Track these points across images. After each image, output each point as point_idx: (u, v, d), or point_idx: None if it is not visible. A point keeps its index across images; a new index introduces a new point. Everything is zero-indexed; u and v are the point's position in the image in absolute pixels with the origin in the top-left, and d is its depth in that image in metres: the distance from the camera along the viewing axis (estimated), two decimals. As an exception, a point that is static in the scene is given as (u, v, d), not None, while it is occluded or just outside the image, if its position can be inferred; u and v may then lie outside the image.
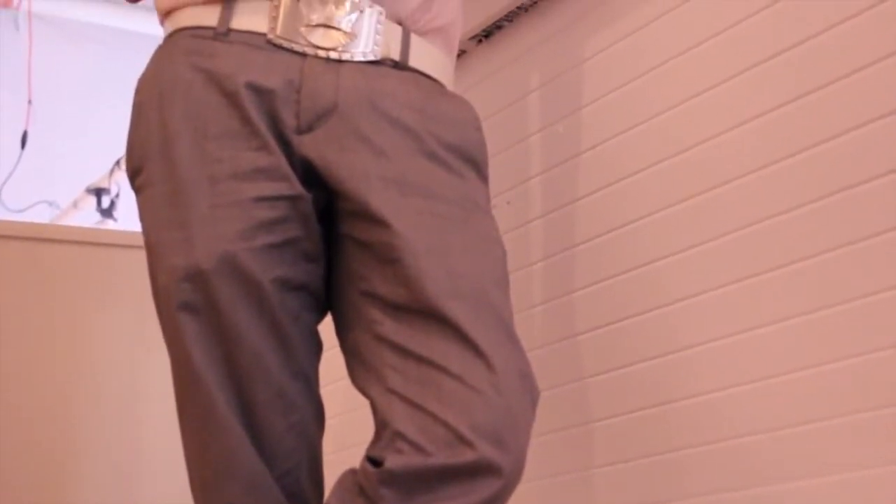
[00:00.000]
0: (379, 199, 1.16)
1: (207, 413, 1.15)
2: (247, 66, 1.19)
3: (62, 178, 4.32)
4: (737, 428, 1.27)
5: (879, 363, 1.13)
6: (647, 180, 1.41)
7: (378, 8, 1.23)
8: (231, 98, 1.18)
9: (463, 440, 1.06)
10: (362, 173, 1.17)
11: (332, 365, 1.26)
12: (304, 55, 1.20)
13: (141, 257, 1.21)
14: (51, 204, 4.39)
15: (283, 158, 1.17)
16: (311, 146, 1.18)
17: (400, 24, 1.26)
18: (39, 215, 4.32)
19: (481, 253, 1.19)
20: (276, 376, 1.17)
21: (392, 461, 1.08)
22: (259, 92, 1.18)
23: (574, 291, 1.52)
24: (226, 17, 1.22)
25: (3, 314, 2.01)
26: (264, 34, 1.21)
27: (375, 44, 1.23)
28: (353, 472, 1.13)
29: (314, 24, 1.21)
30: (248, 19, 1.22)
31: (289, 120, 1.18)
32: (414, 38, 1.26)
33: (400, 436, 1.08)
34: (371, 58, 1.22)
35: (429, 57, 1.28)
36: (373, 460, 1.10)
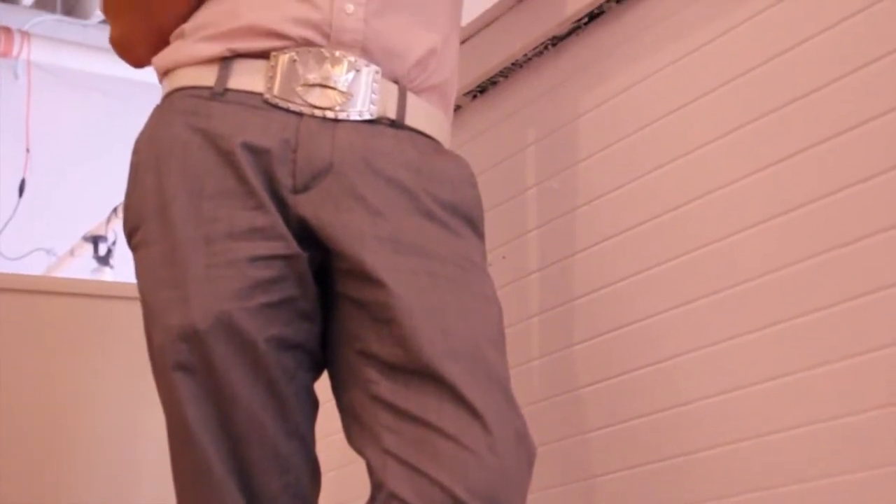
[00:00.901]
0: (374, 259, 1.16)
1: (202, 472, 1.15)
2: (243, 126, 1.19)
3: (59, 226, 4.34)
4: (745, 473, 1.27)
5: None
6: (642, 235, 1.42)
7: (374, 67, 1.24)
8: (227, 158, 1.18)
9: (458, 502, 1.05)
10: (357, 233, 1.18)
11: (328, 418, 1.25)
12: (300, 114, 1.21)
13: (138, 309, 1.21)
14: (48, 251, 4.40)
15: (279, 218, 1.18)
16: (306, 205, 1.19)
17: (396, 82, 1.26)
18: (36, 262, 4.33)
19: (477, 312, 1.19)
20: (271, 436, 1.16)
21: (388, 523, 1.07)
22: (255, 152, 1.18)
23: (572, 346, 1.52)
24: (223, 76, 1.23)
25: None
26: (261, 94, 1.22)
27: (371, 103, 1.24)
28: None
29: (311, 83, 1.22)
30: (245, 79, 1.23)
31: (285, 179, 1.19)
32: (410, 97, 1.27)
33: (395, 497, 1.08)
34: (367, 117, 1.23)
35: (425, 115, 1.29)
36: (369, 522, 1.09)
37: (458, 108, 1.68)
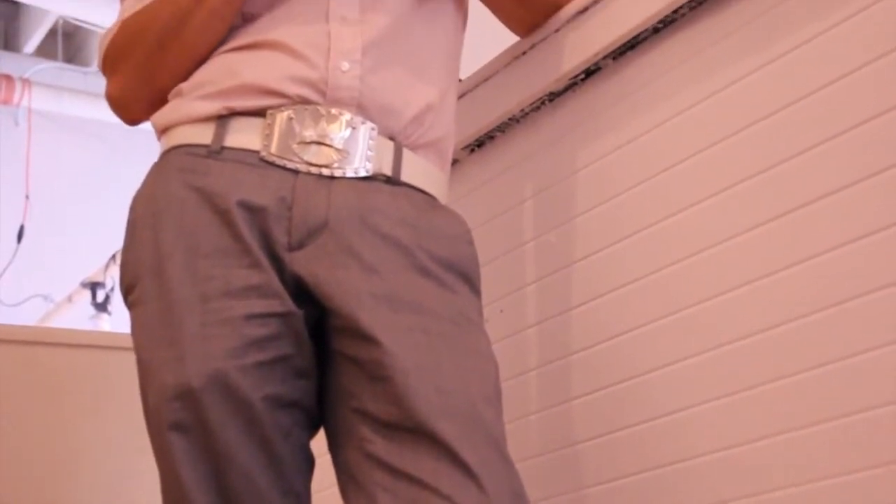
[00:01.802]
0: (369, 316, 1.16)
1: (196, 531, 1.14)
2: (239, 184, 1.20)
3: (58, 273, 4.34)
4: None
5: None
6: (640, 290, 1.42)
7: (370, 124, 1.25)
8: (223, 216, 1.18)
9: (453, 564, 1.05)
10: (353, 290, 1.17)
11: (324, 472, 1.24)
12: (296, 172, 1.21)
13: (134, 359, 1.21)
14: (45, 298, 4.40)
15: (274, 275, 1.18)
16: (302, 263, 1.19)
17: (392, 139, 1.27)
18: (34, 309, 4.33)
19: (472, 369, 1.18)
20: (266, 495, 1.16)
21: (382, 585, 1.06)
22: (251, 210, 1.19)
23: (570, 400, 1.51)
24: (220, 134, 1.23)
25: (-6, 418, 2.00)
26: (258, 152, 1.22)
27: (367, 160, 1.24)
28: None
29: (307, 140, 1.22)
30: (241, 137, 1.23)
31: (280, 237, 1.19)
32: (406, 154, 1.28)
33: (391, 557, 1.07)
34: (363, 174, 1.23)
35: (421, 171, 1.29)
36: (363, 583, 1.08)
37: (455, 161, 1.68)
